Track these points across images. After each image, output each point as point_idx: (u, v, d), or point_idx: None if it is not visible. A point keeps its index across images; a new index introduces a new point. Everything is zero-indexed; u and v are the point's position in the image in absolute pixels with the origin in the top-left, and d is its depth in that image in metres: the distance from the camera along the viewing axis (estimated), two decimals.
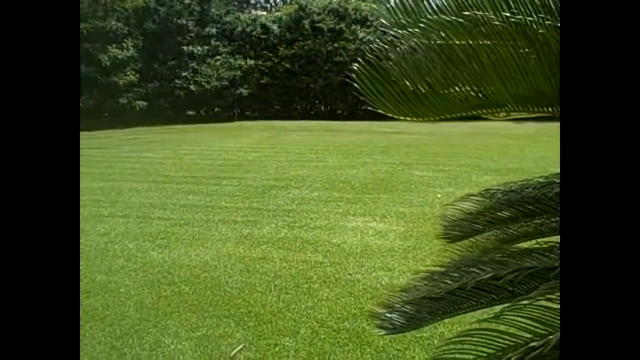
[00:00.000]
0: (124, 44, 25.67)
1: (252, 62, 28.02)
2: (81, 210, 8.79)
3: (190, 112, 28.98)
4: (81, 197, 9.80)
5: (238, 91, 27.59)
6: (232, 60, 27.72)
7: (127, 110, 25.55)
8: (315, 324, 4.63)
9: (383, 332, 2.28)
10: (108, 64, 24.76)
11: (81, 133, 22.00)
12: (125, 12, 26.99)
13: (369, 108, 2.42)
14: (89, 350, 4.30)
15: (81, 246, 6.92)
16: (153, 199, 9.64)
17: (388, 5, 2.50)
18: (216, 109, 29.72)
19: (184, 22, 27.25)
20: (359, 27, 28.45)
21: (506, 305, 1.66)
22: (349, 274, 5.77)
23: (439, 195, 9.34)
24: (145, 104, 25.95)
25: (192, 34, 27.49)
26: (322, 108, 30.48)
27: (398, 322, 2.17)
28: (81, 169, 12.90)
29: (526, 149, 15.19)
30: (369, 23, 28.46)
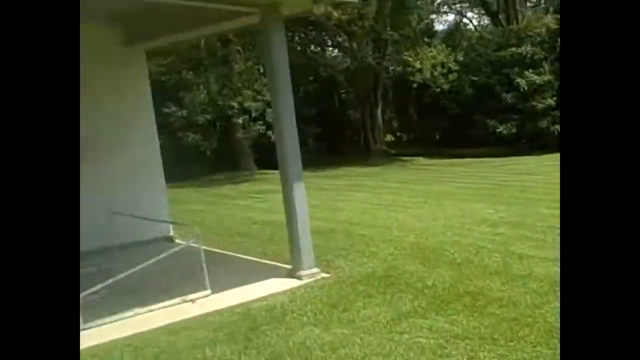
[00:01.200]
0: (541, 69, 25.79)
1: None
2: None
3: None
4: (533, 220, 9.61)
5: None
6: None
7: (543, 135, 25.43)
8: None
9: None
10: (526, 88, 25.21)
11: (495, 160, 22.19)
12: (539, 37, 27.08)
13: None
14: None
15: None
16: None
17: None
18: None
19: None
20: None
21: None
22: None
23: None
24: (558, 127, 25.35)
25: None
26: None
27: None
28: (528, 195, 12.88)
29: None
30: None
